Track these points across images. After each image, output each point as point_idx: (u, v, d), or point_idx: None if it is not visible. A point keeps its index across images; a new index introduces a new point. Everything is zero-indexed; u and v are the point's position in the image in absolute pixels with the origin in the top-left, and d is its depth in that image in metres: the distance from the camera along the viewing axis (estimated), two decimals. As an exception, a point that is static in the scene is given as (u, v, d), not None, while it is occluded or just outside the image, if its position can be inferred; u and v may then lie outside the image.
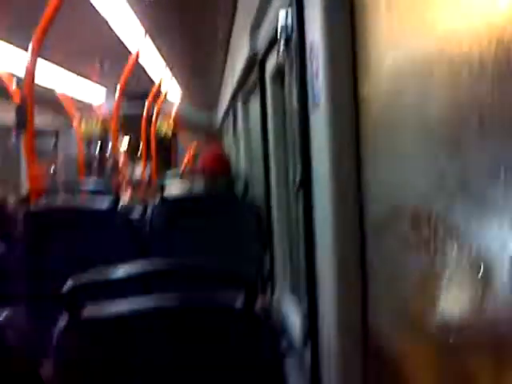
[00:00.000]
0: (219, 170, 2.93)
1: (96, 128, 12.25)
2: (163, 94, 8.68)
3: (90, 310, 1.21)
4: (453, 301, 0.97)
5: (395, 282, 1.29)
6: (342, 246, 1.44)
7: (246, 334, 1.21)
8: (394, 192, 1.24)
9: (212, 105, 9.02)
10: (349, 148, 1.41)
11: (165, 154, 14.51)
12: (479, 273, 0.84)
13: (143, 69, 6.90)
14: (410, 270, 1.18)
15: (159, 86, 7.66)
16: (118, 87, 5.81)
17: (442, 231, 0.99)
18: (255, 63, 2.69)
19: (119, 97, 5.92)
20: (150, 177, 9.81)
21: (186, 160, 11.99)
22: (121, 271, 1.22)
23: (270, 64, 2.39)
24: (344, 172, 1.42)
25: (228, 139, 6.37)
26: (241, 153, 4.58)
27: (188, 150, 11.83)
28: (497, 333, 0.81)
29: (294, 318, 2.13)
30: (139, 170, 10.35)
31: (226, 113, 6.10)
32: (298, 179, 1.69)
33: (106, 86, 9.32)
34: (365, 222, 1.42)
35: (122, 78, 5.66)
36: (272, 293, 2.74)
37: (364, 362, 1.48)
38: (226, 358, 1.22)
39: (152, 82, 7.58)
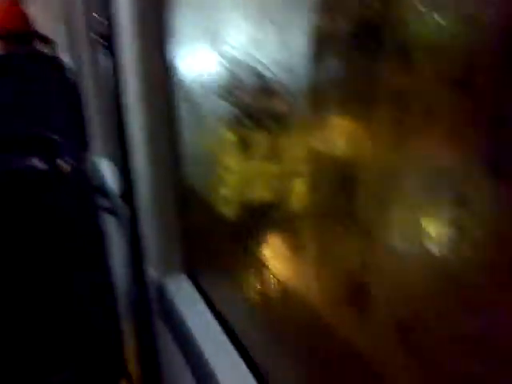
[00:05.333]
0: (12, 22, 2.49)
1: None
2: None
3: None
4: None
5: (206, 136, 1.35)
6: (151, 104, 1.44)
7: (55, 195, 1.20)
8: (203, 43, 1.23)
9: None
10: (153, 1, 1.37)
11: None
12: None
13: None
14: (218, 128, 1.25)
15: None
16: None
17: (251, 85, 1.04)
18: None
19: None
20: None
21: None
22: None
23: None
24: (149, 27, 1.37)
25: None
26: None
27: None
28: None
29: (111, 180, 2.15)
30: None
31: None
32: (102, 34, 1.61)
33: None
34: (174, 78, 1.43)
35: None
36: (87, 157, 2.70)
37: (180, 214, 1.58)
38: (41, 220, 1.21)
39: None
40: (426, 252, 0.54)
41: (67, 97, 2.33)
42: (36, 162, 1.14)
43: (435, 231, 0.54)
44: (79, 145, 2.59)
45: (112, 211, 2.02)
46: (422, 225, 0.55)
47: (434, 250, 0.54)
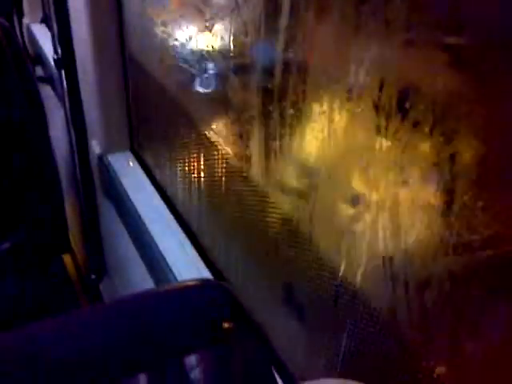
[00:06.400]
0: None
1: None
2: None
3: None
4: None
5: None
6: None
7: None
8: None
9: None
10: None
11: None
12: None
13: None
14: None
15: None
16: None
17: None
18: None
19: None
20: None
21: None
22: None
23: None
24: None
25: None
26: None
27: None
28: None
29: (47, 47, 2.00)
30: None
31: None
32: None
33: None
34: None
35: None
36: (20, 23, 2.49)
37: (124, 86, 1.50)
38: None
39: None
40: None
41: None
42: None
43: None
44: (13, 10, 2.37)
45: (49, 80, 1.90)
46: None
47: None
